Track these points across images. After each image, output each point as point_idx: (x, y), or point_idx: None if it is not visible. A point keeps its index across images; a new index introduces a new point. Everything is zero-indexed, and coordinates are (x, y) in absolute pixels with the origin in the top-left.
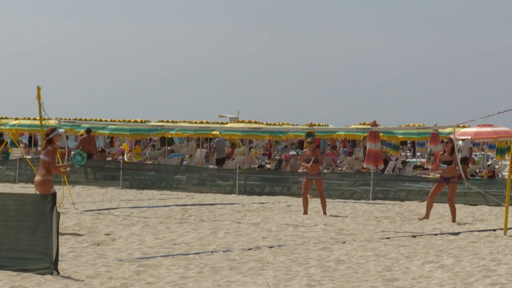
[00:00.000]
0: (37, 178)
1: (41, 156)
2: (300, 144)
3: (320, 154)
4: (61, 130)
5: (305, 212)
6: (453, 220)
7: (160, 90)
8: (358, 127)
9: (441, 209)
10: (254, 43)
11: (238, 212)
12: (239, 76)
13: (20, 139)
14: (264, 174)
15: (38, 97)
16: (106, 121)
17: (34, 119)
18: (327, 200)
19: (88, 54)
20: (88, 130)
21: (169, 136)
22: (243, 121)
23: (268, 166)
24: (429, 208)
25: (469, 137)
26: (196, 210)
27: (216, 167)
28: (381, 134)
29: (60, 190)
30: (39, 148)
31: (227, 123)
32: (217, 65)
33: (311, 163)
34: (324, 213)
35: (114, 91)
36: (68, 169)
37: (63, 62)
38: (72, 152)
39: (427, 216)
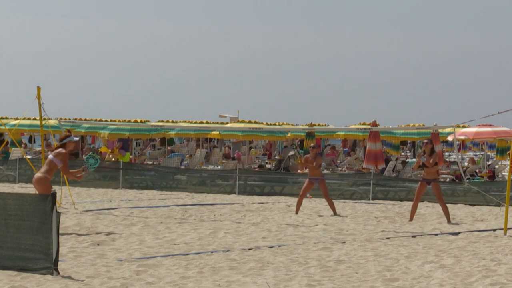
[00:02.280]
0: (37, 175)
1: (50, 156)
2: (301, 144)
3: (321, 160)
4: (75, 138)
5: (296, 212)
6: (448, 221)
7: (160, 90)
8: (358, 127)
9: (441, 209)
10: (254, 43)
11: (238, 212)
12: (239, 76)
13: (20, 139)
14: (264, 174)
15: (38, 97)
16: (106, 121)
17: (34, 119)
18: None
19: (88, 54)
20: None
21: (169, 136)
22: (243, 121)
23: (268, 166)
24: (413, 210)
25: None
26: (196, 210)
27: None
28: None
29: (60, 190)
30: (36, 148)
31: (227, 123)
32: (217, 65)
33: (307, 164)
34: (335, 213)
35: (114, 91)
36: (82, 173)
37: (63, 62)
38: (85, 156)
39: (411, 219)
